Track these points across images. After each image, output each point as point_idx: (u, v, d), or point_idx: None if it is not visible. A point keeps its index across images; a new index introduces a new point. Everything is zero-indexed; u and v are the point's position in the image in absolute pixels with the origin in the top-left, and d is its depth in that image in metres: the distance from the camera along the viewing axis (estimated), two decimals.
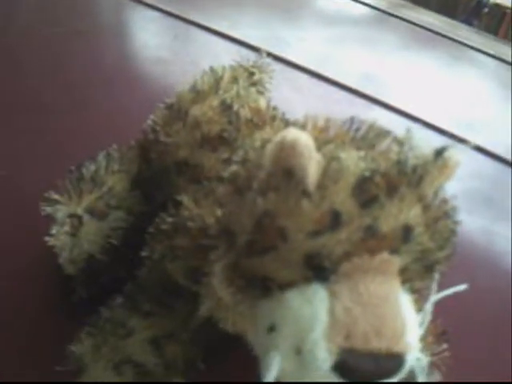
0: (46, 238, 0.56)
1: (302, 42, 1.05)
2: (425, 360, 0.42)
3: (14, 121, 0.82)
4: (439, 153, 0.40)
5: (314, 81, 0.93)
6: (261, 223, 0.39)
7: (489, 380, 0.63)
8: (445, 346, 0.56)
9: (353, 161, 0.38)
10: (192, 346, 0.53)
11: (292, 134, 0.37)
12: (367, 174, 0.38)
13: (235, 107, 0.57)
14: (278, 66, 0.74)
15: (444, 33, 1.09)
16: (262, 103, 0.60)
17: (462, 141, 0.78)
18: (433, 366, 0.55)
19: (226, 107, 0.57)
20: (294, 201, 0.37)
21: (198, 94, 0.60)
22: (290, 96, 0.75)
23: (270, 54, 0.74)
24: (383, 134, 0.42)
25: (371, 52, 1.05)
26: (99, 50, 0.97)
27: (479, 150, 0.87)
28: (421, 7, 1.29)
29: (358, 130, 0.43)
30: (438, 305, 0.48)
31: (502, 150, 0.88)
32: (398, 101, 0.88)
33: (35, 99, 0.86)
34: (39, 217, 0.57)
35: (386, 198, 0.38)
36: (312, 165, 0.37)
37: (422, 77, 1.01)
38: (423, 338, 0.52)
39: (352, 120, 0.43)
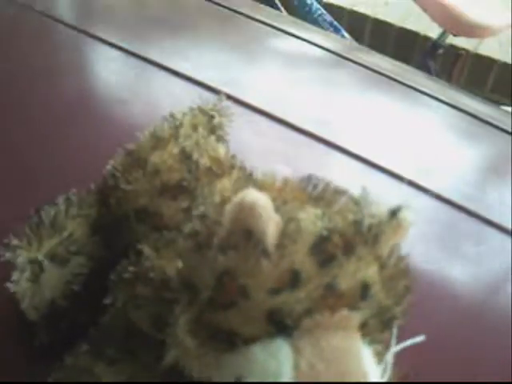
0: (7, 285, 0.56)
1: (261, 85, 1.06)
2: None
3: None
4: (393, 213, 0.42)
5: (274, 124, 0.95)
6: (222, 280, 0.40)
7: None
8: None
9: (311, 220, 0.40)
10: None
11: (251, 195, 0.39)
12: (325, 233, 0.40)
13: (195, 156, 0.58)
14: (237, 109, 0.75)
15: (399, 78, 1.12)
16: (221, 152, 0.61)
17: (418, 187, 0.82)
18: None
19: (185, 156, 0.58)
20: (253, 260, 0.39)
21: (157, 141, 0.60)
22: (249, 139, 0.76)
23: (229, 97, 0.76)
24: (340, 192, 0.44)
25: (329, 95, 1.08)
26: (59, 88, 0.97)
27: (436, 196, 0.90)
28: (376, 51, 1.32)
29: (315, 187, 0.45)
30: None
31: (455, 196, 0.90)
32: (355, 146, 0.90)
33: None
34: None
35: (343, 257, 0.40)
36: (271, 225, 0.39)
37: (378, 122, 1.04)
38: None
39: (309, 178, 0.45)
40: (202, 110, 0.70)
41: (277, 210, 0.40)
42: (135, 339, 0.53)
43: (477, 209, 0.88)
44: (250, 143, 0.75)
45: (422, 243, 0.82)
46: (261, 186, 0.44)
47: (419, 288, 0.76)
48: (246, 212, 0.38)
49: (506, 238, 0.84)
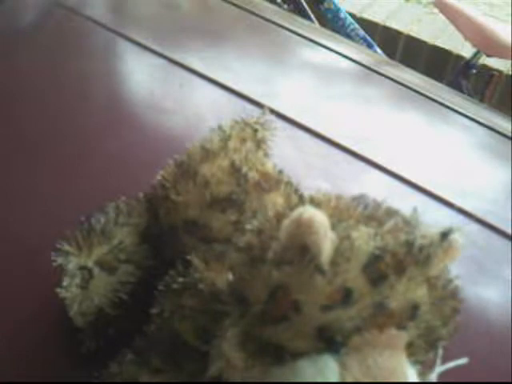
0: (58, 290, 0.58)
1: (298, 98, 1.07)
2: None
3: (14, 166, 0.84)
4: (445, 235, 0.43)
5: (313, 139, 0.95)
6: (275, 295, 0.41)
7: None
8: None
9: (364, 240, 0.41)
10: None
11: (309, 212, 0.40)
12: (377, 252, 0.41)
13: (244, 170, 0.59)
14: (278, 124, 0.76)
15: (431, 95, 1.12)
16: (270, 166, 0.62)
17: (459, 210, 0.82)
18: None
19: (235, 169, 0.59)
20: (307, 276, 0.40)
21: (207, 153, 0.61)
22: (289, 154, 0.77)
23: (273, 111, 0.76)
24: (391, 212, 0.45)
25: (364, 110, 1.09)
26: (106, 95, 0.99)
27: (472, 217, 0.90)
28: (407, 67, 1.33)
29: (366, 207, 0.46)
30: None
31: (491, 218, 0.90)
32: (392, 163, 0.91)
33: (36, 146, 0.88)
34: (49, 266, 0.59)
35: (395, 277, 0.40)
36: (326, 243, 0.40)
37: (413, 139, 1.05)
38: None
39: (361, 197, 0.46)
40: (247, 124, 0.71)
41: (332, 227, 0.41)
42: (180, 350, 0.54)
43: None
44: (291, 158, 0.76)
45: (461, 266, 0.82)
46: (317, 204, 0.45)
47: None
48: (304, 228, 0.39)
49: None
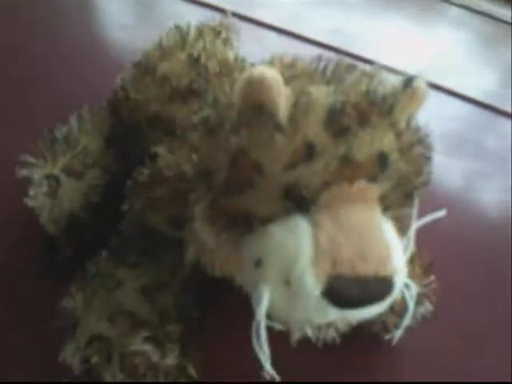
0: (25, 200, 0.57)
1: (268, 1, 1.04)
2: (414, 287, 0.43)
3: None
4: (407, 82, 0.41)
5: (283, 38, 0.93)
6: (236, 160, 0.40)
7: (477, 306, 0.65)
8: (432, 276, 0.58)
9: (322, 94, 0.39)
10: (183, 294, 0.54)
11: (259, 70, 0.38)
12: (337, 105, 0.39)
13: (203, 60, 0.58)
14: (245, 26, 0.74)
15: None
16: (230, 55, 0.61)
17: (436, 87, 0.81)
18: (423, 296, 0.57)
19: (193, 61, 0.58)
20: (267, 135, 0.38)
21: (164, 51, 0.60)
22: (258, 53, 0.75)
23: (235, 15, 0.74)
24: (351, 67, 0.43)
25: (340, 7, 1.06)
26: (63, 20, 0.96)
27: (452, 93, 0.88)
28: None
29: (326, 66, 0.44)
30: (422, 240, 0.50)
31: (473, 93, 0.89)
32: (369, 52, 0.88)
33: (1, 73, 0.86)
34: (14, 180, 0.58)
35: (358, 128, 0.39)
36: (281, 98, 0.38)
37: (391, 29, 1.03)
38: (411, 270, 0.54)
39: (319, 57, 0.44)
40: (208, 26, 0.69)
41: (286, 83, 0.39)
42: (155, 242, 0.53)
43: (495, 103, 0.86)
44: (259, 57, 0.73)
45: (443, 140, 0.82)
46: (269, 63, 0.43)
47: (440, 181, 0.77)
48: (255, 86, 0.38)
49: None
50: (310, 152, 0.38)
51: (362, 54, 0.89)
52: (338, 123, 0.39)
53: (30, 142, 0.59)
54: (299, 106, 0.38)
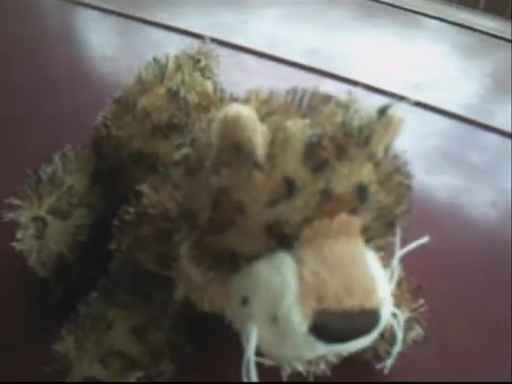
0: (13, 244, 0.56)
1: (245, 25, 1.05)
2: (401, 315, 0.43)
3: None
4: (382, 111, 0.41)
5: (262, 61, 0.94)
6: (217, 200, 0.40)
7: (469, 325, 0.65)
8: (421, 300, 0.58)
9: (299, 128, 0.39)
10: (174, 331, 0.54)
11: (234, 108, 0.38)
12: (314, 139, 0.39)
13: (182, 93, 0.58)
14: (224, 51, 0.74)
15: (388, 1, 1.10)
16: (209, 87, 0.61)
17: (408, 101, 0.81)
18: (413, 321, 0.57)
19: (172, 94, 0.58)
20: (246, 174, 0.38)
21: (143, 85, 0.61)
22: (238, 79, 0.75)
23: (214, 40, 0.75)
24: (326, 99, 0.44)
25: (317, 27, 1.06)
26: (43, 54, 0.96)
27: (433, 109, 0.89)
28: None
29: (301, 99, 0.44)
30: (409, 262, 0.50)
31: (454, 107, 0.89)
32: (347, 71, 0.89)
33: None
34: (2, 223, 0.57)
35: (336, 161, 0.39)
36: (258, 136, 0.38)
37: (369, 46, 1.03)
38: (399, 296, 0.54)
39: (295, 90, 0.44)
40: (187, 54, 0.69)
41: (262, 120, 0.39)
42: (144, 281, 0.53)
43: (476, 117, 0.87)
44: (240, 82, 0.74)
45: (426, 156, 0.82)
46: (245, 101, 0.43)
47: (424, 199, 0.77)
48: (231, 125, 0.38)
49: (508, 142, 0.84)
50: (289, 188, 0.38)
51: (340, 74, 0.89)
52: (316, 157, 0.39)
53: (14, 182, 0.59)
54: (276, 143, 0.39)
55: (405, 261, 0.49)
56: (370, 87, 0.83)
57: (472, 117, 0.88)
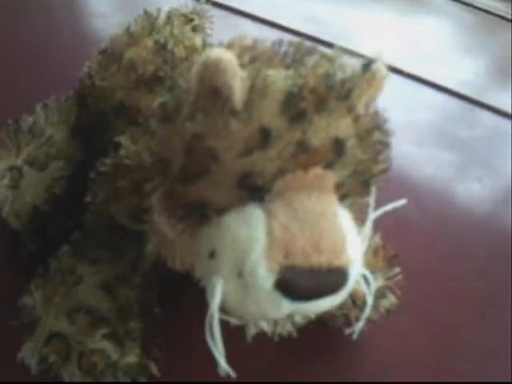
0: None
1: None
2: (372, 279, 0.42)
3: None
4: (366, 66, 0.40)
5: (258, 25, 0.92)
6: (191, 147, 0.38)
7: (444, 298, 0.64)
8: (397, 269, 0.57)
9: (280, 77, 0.38)
10: (145, 289, 0.52)
11: (215, 52, 0.36)
12: (295, 89, 0.37)
13: (170, 46, 0.57)
14: (219, 13, 0.72)
15: None
16: (198, 41, 0.60)
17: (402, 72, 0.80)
18: (387, 289, 0.56)
19: (160, 47, 0.57)
20: (222, 121, 0.37)
21: (131, 37, 0.59)
22: None
23: (209, 1, 0.73)
24: (311, 51, 0.42)
25: None
26: (39, 7, 0.95)
27: (428, 83, 0.87)
28: None
29: (286, 50, 0.42)
30: (388, 231, 0.48)
31: (451, 83, 0.88)
32: (345, 41, 0.87)
33: None
34: None
35: (314, 113, 0.37)
36: (237, 82, 0.37)
37: (369, 17, 1.01)
38: (375, 263, 0.53)
39: (280, 41, 0.43)
40: (179, 12, 0.68)
41: (243, 67, 0.38)
42: (116, 236, 0.52)
43: (472, 93, 0.85)
44: None
45: (415, 129, 0.80)
46: (227, 46, 0.41)
47: (409, 169, 0.76)
48: (211, 69, 0.36)
49: (502, 121, 0.82)
50: (265, 138, 0.37)
51: (337, 43, 0.87)
52: (294, 107, 0.37)
53: None
54: (255, 90, 0.37)
55: (383, 230, 0.49)
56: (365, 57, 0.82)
57: (467, 93, 0.86)
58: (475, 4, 1.09)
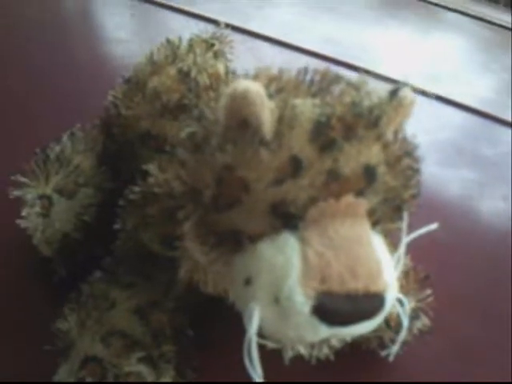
0: (18, 221, 0.56)
1: (261, 11, 1.04)
2: (407, 302, 0.42)
3: None
4: (393, 93, 0.40)
5: (276, 48, 0.93)
6: (222, 177, 0.39)
7: (476, 320, 0.64)
8: (428, 291, 0.57)
9: (307, 107, 0.39)
10: (177, 313, 0.53)
11: (242, 84, 0.37)
12: (323, 118, 0.38)
13: (193, 74, 0.57)
14: (238, 37, 0.73)
15: None
16: (221, 68, 0.60)
17: (426, 93, 0.81)
18: (419, 311, 0.56)
19: (183, 75, 0.58)
20: (252, 151, 0.38)
21: (155, 65, 0.60)
22: (251, 65, 0.74)
23: (228, 25, 0.74)
24: (337, 79, 0.43)
25: (333, 15, 1.05)
26: (58, 34, 0.96)
27: (447, 101, 0.88)
28: None
29: (312, 79, 0.43)
30: (418, 253, 0.49)
31: (470, 101, 0.88)
32: (363, 61, 0.88)
33: None
34: (8, 201, 0.57)
35: (343, 141, 0.38)
36: (266, 113, 0.37)
37: (386, 36, 1.02)
38: (406, 285, 0.54)
39: (305, 69, 0.44)
40: (200, 38, 0.69)
41: (271, 97, 0.38)
42: (148, 262, 0.53)
43: (492, 110, 0.86)
44: (253, 68, 0.73)
45: (438, 149, 0.81)
46: (254, 77, 0.42)
47: (436, 191, 0.76)
48: (239, 101, 0.37)
49: None
50: (296, 167, 0.37)
51: (355, 63, 0.88)
52: (323, 137, 0.38)
53: (22, 161, 0.59)
54: (284, 120, 0.38)
55: (413, 251, 0.49)
56: (384, 77, 0.82)
57: (487, 110, 0.87)
58: (490, 19, 1.09)
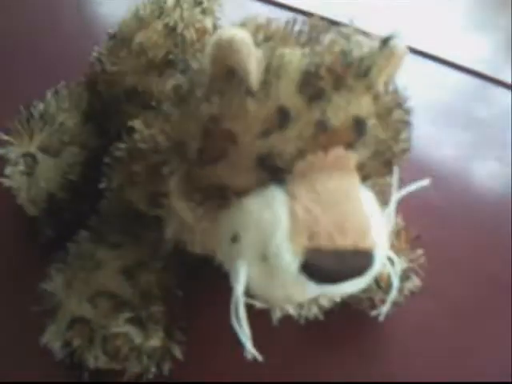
0: (1, 179, 0.55)
1: None
2: (398, 262, 0.41)
3: None
4: (384, 42, 0.39)
5: (268, 7, 0.91)
6: (208, 129, 0.38)
7: (467, 281, 0.64)
8: (420, 251, 0.56)
9: (296, 56, 0.37)
10: (165, 273, 0.52)
11: (228, 31, 0.36)
12: (312, 68, 0.37)
13: (179, 29, 0.56)
14: None
15: None
16: (208, 24, 0.59)
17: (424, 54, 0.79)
18: (410, 271, 0.56)
19: (170, 30, 0.56)
20: (238, 101, 0.36)
21: (141, 21, 0.58)
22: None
23: None
24: (327, 29, 0.41)
25: None
26: None
27: (441, 61, 0.86)
28: None
29: (301, 29, 0.42)
30: (409, 213, 0.48)
31: (466, 61, 0.87)
32: (356, 20, 0.86)
33: None
34: None
35: (333, 91, 0.37)
36: (252, 61, 0.36)
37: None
38: (398, 245, 0.53)
39: (295, 19, 0.42)
40: None
41: (258, 45, 0.37)
42: (134, 221, 0.51)
43: (487, 71, 0.84)
44: None
45: (431, 109, 0.80)
46: (240, 25, 0.41)
47: (428, 150, 0.75)
48: (224, 49, 0.36)
49: None
50: (283, 118, 0.36)
51: (351, 24, 0.86)
52: (312, 87, 0.36)
53: (6, 119, 0.58)
54: (271, 70, 0.36)
55: (405, 212, 0.48)
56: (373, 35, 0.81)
57: (483, 71, 0.85)
58: None
